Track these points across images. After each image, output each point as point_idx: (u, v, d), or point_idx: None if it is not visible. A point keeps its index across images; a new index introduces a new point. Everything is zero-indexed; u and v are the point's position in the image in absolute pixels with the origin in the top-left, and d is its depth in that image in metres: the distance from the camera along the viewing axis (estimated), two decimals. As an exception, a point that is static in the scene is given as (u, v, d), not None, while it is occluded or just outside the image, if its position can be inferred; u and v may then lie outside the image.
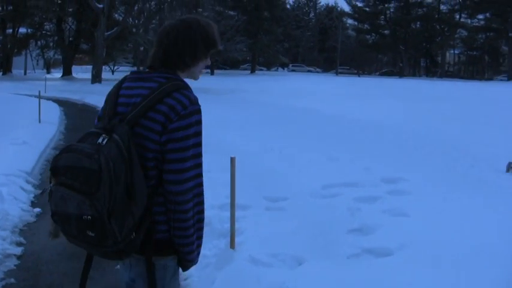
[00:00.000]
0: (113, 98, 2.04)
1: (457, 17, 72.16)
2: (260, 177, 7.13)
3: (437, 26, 72.59)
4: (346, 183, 6.69)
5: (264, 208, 5.77)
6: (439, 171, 7.55)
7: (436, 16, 71.95)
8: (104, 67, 44.18)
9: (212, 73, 57.44)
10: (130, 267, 2.06)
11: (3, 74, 48.06)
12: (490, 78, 66.01)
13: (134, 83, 2.04)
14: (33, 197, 6.66)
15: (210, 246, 4.54)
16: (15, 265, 4.48)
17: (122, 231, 1.78)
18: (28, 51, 57.79)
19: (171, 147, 1.89)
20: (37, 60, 64.12)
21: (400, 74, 68.74)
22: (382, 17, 76.92)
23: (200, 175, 1.99)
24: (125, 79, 2.10)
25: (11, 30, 51.07)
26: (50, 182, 1.90)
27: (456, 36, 72.42)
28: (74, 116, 17.43)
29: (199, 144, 1.96)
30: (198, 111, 1.95)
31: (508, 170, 7.56)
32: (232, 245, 4.44)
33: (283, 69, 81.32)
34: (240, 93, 27.49)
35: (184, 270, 2.15)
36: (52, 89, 28.59)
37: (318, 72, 76.18)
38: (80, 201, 1.75)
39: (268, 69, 79.20)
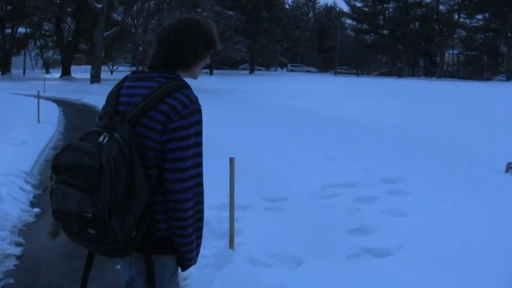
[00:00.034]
0: (114, 97, 2.06)
1: (456, 17, 72.15)
2: (259, 177, 7.13)
3: (436, 26, 72.59)
4: (345, 184, 6.69)
5: (263, 208, 5.78)
6: (438, 172, 7.55)
7: (435, 16, 71.96)
8: (102, 67, 44.14)
9: (211, 73, 57.42)
10: (130, 266, 2.07)
11: (2, 74, 48.02)
12: (489, 79, 66.00)
13: (135, 82, 2.06)
14: (33, 197, 6.66)
15: (209, 246, 4.54)
16: (14, 265, 4.48)
17: (122, 229, 1.79)
18: (27, 51, 57.84)
19: (172, 147, 1.91)
20: (36, 60, 64.13)
21: (399, 74, 68.76)
22: (381, 17, 76.94)
23: (200, 174, 2.00)
24: (125, 79, 2.12)
25: (10, 30, 51.06)
26: (51, 180, 1.92)
27: (455, 36, 72.41)
28: (73, 116, 17.42)
29: (199, 144, 1.98)
30: (199, 111, 1.97)
31: (507, 170, 7.56)
32: (231, 245, 4.44)
33: (282, 69, 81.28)
34: (239, 93, 27.49)
35: (183, 270, 2.16)
36: (51, 89, 28.61)
37: (313, 72, 76.14)
38: (81, 199, 1.77)
39: (267, 69, 79.17)
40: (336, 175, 7.14)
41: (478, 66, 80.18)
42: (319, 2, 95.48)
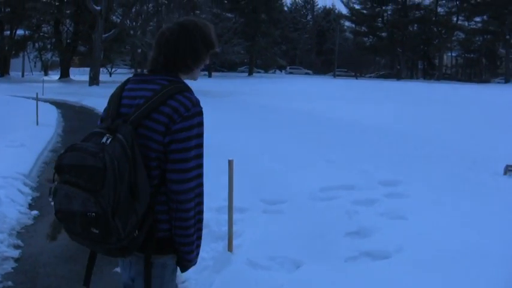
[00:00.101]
0: (116, 99, 2.08)
1: (455, 19, 72.21)
2: (258, 179, 7.13)
3: (435, 29, 72.65)
4: (344, 186, 6.70)
5: (261, 211, 5.77)
6: (437, 174, 7.56)
7: (434, 18, 72.01)
8: (101, 69, 44.13)
9: (210, 75, 57.44)
10: (131, 266, 2.11)
11: (0, 76, 47.94)
12: (488, 81, 66.05)
13: (137, 85, 2.09)
14: (31, 200, 6.64)
15: (208, 249, 4.53)
16: (12, 268, 4.47)
17: (125, 228, 1.82)
18: (26, 53, 57.81)
19: (174, 148, 1.94)
20: (35, 62, 64.05)
21: (398, 76, 68.80)
22: (380, 19, 76.95)
23: (201, 175, 2.04)
24: (127, 81, 2.15)
25: (8, 32, 51.05)
26: (54, 181, 1.93)
27: (453, 38, 72.46)
28: (72, 118, 17.40)
29: (201, 145, 2.01)
30: (200, 113, 2.00)
31: (505, 173, 7.57)
32: (230, 248, 4.43)
33: (281, 71, 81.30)
34: (238, 95, 27.50)
35: (183, 270, 2.19)
36: (49, 91, 28.61)
37: (310, 74, 76.20)
38: (85, 199, 1.78)
39: (266, 71, 79.17)
40: (335, 178, 7.15)
41: (477, 68, 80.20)
42: (317, 5, 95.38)
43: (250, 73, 67.90)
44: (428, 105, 21.99)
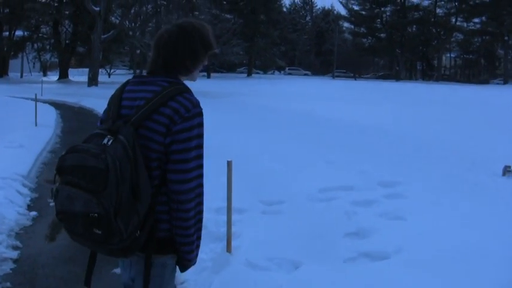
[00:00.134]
0: (116, 101, 2.09)
1: (453, 20, 72.34)
2: (257, 180, 7.13)
3: (434, 30, 72.77)
4: (343, 187, 6.70)
5: (260, 212, 5.77)
6: (436, 175, 7.56)
7: (432, 20, 72.13)
8: (100, 70, 44.12)
9: (209, 76, 57.42)
10: (131, 266, 2.12)
11: (-1, 77, 48.03)
12: (486, 82, 66.11)
13: (137, 86, 2.10)
14: (30, 201, 6.63)
15: (207, 250, 4.53)
16: (11, 269, 4.46)
17: (127, 229, 1.83)
18: (24, 54, 57.79)
19: (175, 148, 1.96)
20: (33, 63, 64.09)
21: (397, 77, 68.87)
22: (379, 20, 77.05)
23: (202, 176, 2.06)
24: (127, 83, 2.16)
25: (7, 33, 51.03)
26: (55, 182, 1.93)
27: (452, 39, 72.61)
28: (71, 119, 17.39)
29: (201, 146, 2.03)
30: (200, 114, 2.02)
31: (504, 174, 7.58)
32: (228, 248, 4.43)
33: (280, 72, 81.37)
34: (237, 96, 27.49)
35: (182, 270, 2.20)
36: (48, 91, 28.60)
37: (309, 75, 76.24)
38: (87, 200, 1.79)
39: (265, 72, 79.25)
40: (334, 178, 7.14)
41: (475, 69, 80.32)
42: (316, 5, 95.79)
43: (249, 74, 67.95)
44: (427, 106, 22.00)
